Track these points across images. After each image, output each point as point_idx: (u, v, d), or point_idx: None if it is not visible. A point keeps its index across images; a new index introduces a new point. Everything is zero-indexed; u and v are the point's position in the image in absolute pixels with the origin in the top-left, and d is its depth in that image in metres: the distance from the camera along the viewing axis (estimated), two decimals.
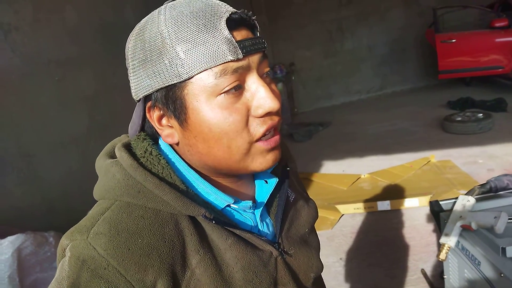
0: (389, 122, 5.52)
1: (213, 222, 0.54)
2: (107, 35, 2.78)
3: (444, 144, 4.25)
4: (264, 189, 0.63)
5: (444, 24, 5.99)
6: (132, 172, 0.53)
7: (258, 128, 0.53)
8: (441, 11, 6.01)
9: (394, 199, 3.14)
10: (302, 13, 7.26)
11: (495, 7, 6.09)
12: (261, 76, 0.54)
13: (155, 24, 0.50)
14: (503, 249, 0.94)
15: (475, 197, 1.18)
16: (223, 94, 0.50)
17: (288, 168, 0.65)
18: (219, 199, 0.57)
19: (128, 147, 0.58)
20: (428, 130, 4.88)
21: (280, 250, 0.61)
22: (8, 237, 1.61)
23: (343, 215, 3.15)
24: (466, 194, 1.17)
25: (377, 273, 2.41)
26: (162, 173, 0.55)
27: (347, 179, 3.81)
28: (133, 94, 0.56)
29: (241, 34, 0.51)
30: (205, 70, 0.49)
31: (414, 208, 3.05)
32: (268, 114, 0.53)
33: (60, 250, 0.53)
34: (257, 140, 0.54)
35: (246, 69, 0.51)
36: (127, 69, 0.56)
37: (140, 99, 0.55)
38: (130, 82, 0.55)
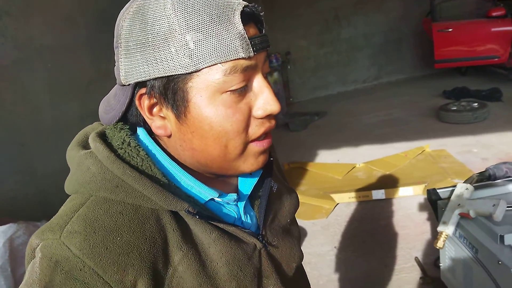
0: (385, 112, 5.52)
1: (197, 217, 0.51)
2: (102, 21, 2.72)
3: (439, 133, 4.27)
4: (248, 180, 0.62)
5: (441, 13, 5.96)
6: (109, 165, 0.50)
7: (256, 129, 0.52)
8: (439, 0, 5.98)
9: (388, 188, 3.15)
10: (298, 1, 7.18)
11: None
12: (264, 76, 0.52)
13: (160, 6, 0.46)
14: (501, 237, 0.94)
15: (474, 185, 1.18)
16: (228, 92, 0.48)
17: (271, 158, 0.64)
18: (202, 193, 0.55)
19: (103, 137, 0.54)
20: (423, 120, 4.89)
21: (264, 242, 0.60)
22: (0, 226, 1.59)
23: (338, 204, 3.16)
24: (464, 182, 1.17)
25: (371, 261, 2.43)
26: (141, 165, 0.52)
27: (342, 168, 3.81)
28: (121, 78, 0.50)
29: (251, 30, 0.49)
30: (214, 65, 0.46)
31: (409, 197, 3.06)
32: (268, 116, 0.52)
33: (29, 250, 0.50)
34: (252, 141, 0.53)
35: (254, 68, 0.50)
36: (115, 49, 0.51)
37: (129, 84, 0.51)
38: (119, 63, 0.50)
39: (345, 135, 4.85)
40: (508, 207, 1.04)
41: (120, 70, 0.50)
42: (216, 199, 0.56)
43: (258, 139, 0.53)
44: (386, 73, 7.71)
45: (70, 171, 0.55)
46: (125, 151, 0.52)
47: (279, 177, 0.74)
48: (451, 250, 1.16)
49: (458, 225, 1.10)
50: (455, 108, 4.65)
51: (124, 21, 0.49)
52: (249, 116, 0.51)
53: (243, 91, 0.50)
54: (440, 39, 5.85)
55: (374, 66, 7.70)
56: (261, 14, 0.51)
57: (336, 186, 3.46)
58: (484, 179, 1.20)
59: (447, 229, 1.09)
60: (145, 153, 0.53)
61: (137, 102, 0.51)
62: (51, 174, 2.19)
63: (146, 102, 0.51)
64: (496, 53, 5.65)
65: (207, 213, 0.54)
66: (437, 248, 1.11)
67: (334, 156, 4.26)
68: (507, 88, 5.21)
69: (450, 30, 5.78)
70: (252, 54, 0.47)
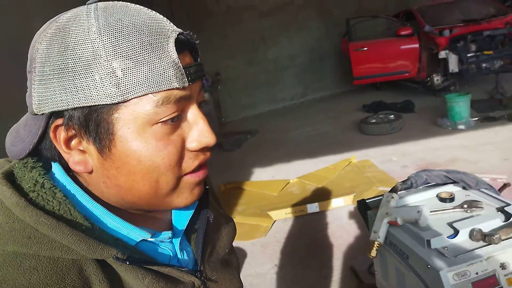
0: (313, 127, 5.76)
1: (127, 263, 0.45)
2: (13, 48, 2.48)
3: (362, 144, 4.54)
4: (182, 214, 0.57)
5: (357, 34, 6.46)
6: (19, 212, 0.43)
7: (190, 162, 0.48)
8: (354, 21, 6.48)
9: (321, 201, 3.24)
10: (224, 23, 7.33)
11: (400, 16, 6.74)
12: (198, 106, 0.49)
13: (84, 29, 0.41)
14: (428, 241, 0.98)
15: (399, 193, 1.24)
16: (160, 124, 0.44)
17: (207, 187, 0.60)
18: (132, 234, 0.50)
19: (10, 178, 0.47)
20: (347, 133, 5.19)
21: (202, 278, 0.56)
22: None
23: (275, 221, 3.17)
24: (390, 191, 1.23)
25: (311, 275, 2.45)
26: (59, 209, 0.45)
27: (277, 185, 3.86)
28: (34, 106, 0.44)
29: (186, 59, 0.46)
30: (145, 95, 0.42)
31: (340, 207, 3.18)
32: (203, 148, 0.49)
33: None
34: (186, 174, 0.49)
35: (188, 99, 0.46)
36: (27, 73, 0.46)
37: (43, 113, 0.44)
38: (32, 90, 0.44)
39: (278, 152, 4.95)
40: (431, 212, 1.11)
41: (33, 97, 0.44)
42: (149, 239, 0.51)
43: (192, 171, 0.49)
44: (312, 91, 8.13)
45: None
46: (38, 194, 0.45)
47: (215, 205, 0.70)
48: (384, 258, 1.19)
49: (388, 233, 1.14)
50: (374, 120, 5.01)
51: (41, 44, 0.43)
52: (182, 149, 0.47)
53: (176, 121, 0.46)
54: (356, 57, 6.33)
55: (300, 85, 8.07)
56: (197, 42, 0.49)
57: (272, 203, 3.48)
58: (407, 187, 1.28)
59: (378, 238, 1.12)
60: (62, 194, 0.46)
61: (51, 134, 0.45)
62: None
63: (62, 134, 0.45)
64: (406, 69, 6.24)
65: (139, 256, 0.48)
66: (371, 257, 1.14)
67: (268, 173, 4.31)
68: (418, 100, 5.77)
69: (365, 49, 6.28)
70: (186, 84, 0.44)
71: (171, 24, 0.46)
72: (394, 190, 1.24)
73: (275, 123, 6.64)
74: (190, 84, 0.45)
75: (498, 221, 1.05)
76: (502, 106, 4.77)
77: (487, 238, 0.97)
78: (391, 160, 3.95)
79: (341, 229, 2.87)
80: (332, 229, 2.91)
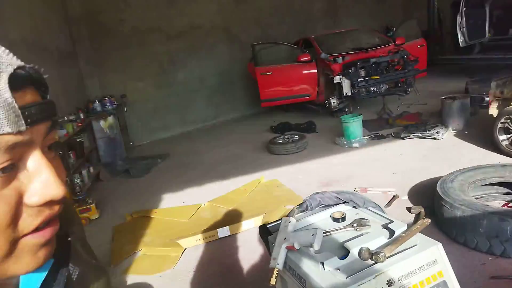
0: (224, 149, 5.79)
1: None
2: None
3: (270, 164, 4.69)
4: (32, 277, 0.48)
5: (262, 58, 6.75)
6: None
7: (30, 220, 0.40)
8: (259, 47, 6.77)
9: (232, 224, 3.22)
10: (130, 44, 7.08)
11: (300, 44, 7.24)
12: (45, 151, 0.42)
13: None
14: (322, 264, 1.01)
15: (296, 216, 1.27)
16: None
17: (69, 239, 0.52)
18: None
19: None
20: (257, 153, 5.32)
21: None
22: None
23: (185, 249, 3.05)
24: (287, 216, 1.25)
25: None
26: None
27: (187, 211, 3.75)
28: None
29: (27, 97, 0.39)
30: None
31: (251, 229, 3.19)
32: (48, 203, 0.41)
33: None
34: (26, 235, 0.41)
35: (27, 144, 0.39)
36: None
37: None
38: None
39: (189, 176, 4.85)
40: (324, 233, 1.15)
41: None
42: None
43: (35, 230, 0.41)
44: (223, 113, 8.22)
45: None
46: None
47: (85, 257, 0.61)
48: (284, 283, 1.20)
49: (287, 258, 1.15)
50: (281, 141, 5.23)
51: None
52: (18, 205, 0.39)
53: (10, 172, 0.38)
54: (263, 81, 6.61)
55: (211, 107, 8.11)
56: (45, 76, 0.42)
57: (183, 230, 3.35)
58: (303, 210, 1.32)
59: (277, 265, 1.12)
60: None
61: None
62: None
63: None
64: (307, 92, 6.70)
65: None
66: (271, 285, 1.13)
67: (179, 198, 4.17)
68: (319, 120, 6.19)
69: (270, 73, 6.59)
70: (23, 127, 0.37)
71: (10, 56, 0.39)
72: (291, 214, 1.27)
73: (187, 146, 6.53)
74: (29, 127, 0.38)
75: (383, 238, 1.13)
76: (389, 125, 5.37)
77: (374, 256, 1.02)
78: (297, 178, 4.12)
79: (252, 252, 2.86)
80: (243, 252, 2.90)
